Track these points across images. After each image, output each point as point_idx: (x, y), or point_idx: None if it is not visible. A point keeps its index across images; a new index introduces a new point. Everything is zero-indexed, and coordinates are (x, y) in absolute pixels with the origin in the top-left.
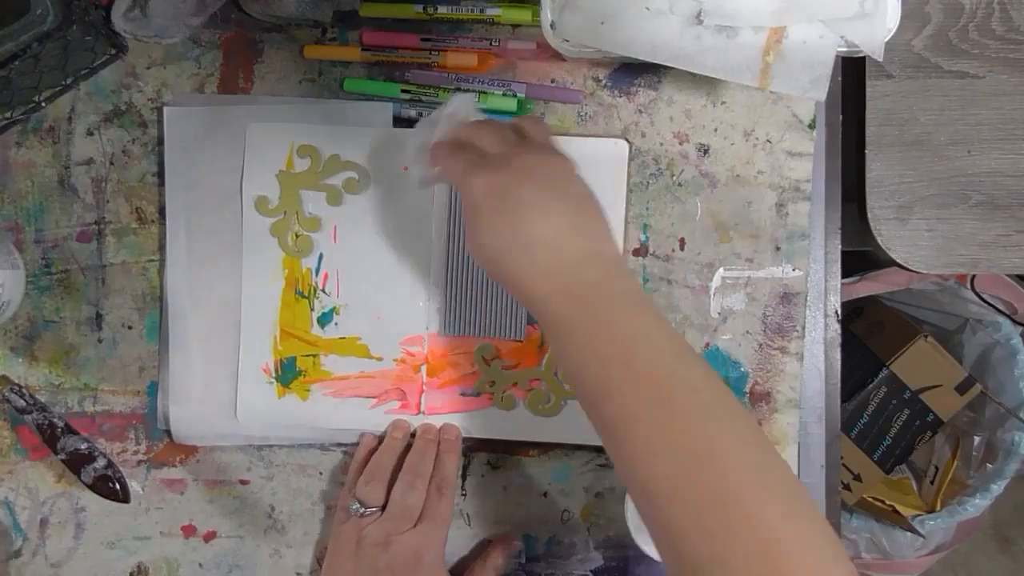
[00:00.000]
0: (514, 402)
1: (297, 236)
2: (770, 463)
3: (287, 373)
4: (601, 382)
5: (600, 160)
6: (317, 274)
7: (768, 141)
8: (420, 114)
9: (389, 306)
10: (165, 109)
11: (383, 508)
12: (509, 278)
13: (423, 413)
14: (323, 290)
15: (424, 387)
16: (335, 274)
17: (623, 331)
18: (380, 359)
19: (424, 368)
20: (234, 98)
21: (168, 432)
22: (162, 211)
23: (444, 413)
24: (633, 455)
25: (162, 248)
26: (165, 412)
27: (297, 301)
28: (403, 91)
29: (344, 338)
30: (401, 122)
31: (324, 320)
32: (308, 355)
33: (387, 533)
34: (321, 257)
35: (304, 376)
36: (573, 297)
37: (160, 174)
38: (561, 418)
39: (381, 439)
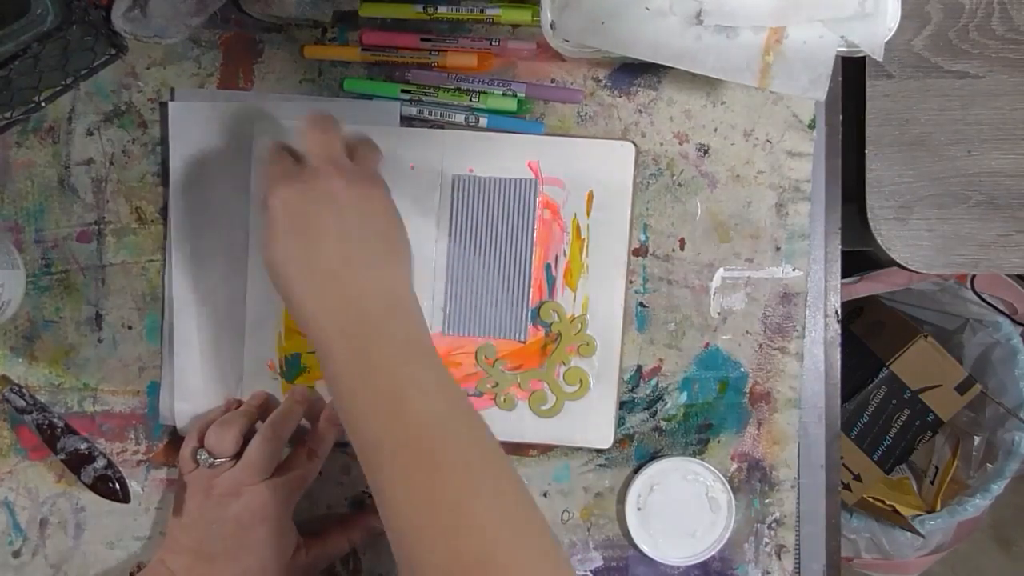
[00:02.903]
0: (515, 403)
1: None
2: (530, 525)
3: (292, 369)
4: (369, 427)
5: (606, 162)
6: None
7: (768, 141)
8: (421, 112)
9: None
10: (169, 104)
11: (235, 460)
12: (292, 302)
13: None
14: None
15: None
16: None
17: (393, 379)
18: None
19: None
20: (239, 94)
21: (171, 429)
22: (162, 211)
23: None
24: (395, 505)
25: (162, 248)
26: (169, 407)
27: None
28: (403, 91)
29: None
30: (407, 121)
31: None
32: (313, 352)
33: (239, 482)
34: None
35: (309, 373)
36: (347, 335)
37: (160, 173)
38: (562, 420)
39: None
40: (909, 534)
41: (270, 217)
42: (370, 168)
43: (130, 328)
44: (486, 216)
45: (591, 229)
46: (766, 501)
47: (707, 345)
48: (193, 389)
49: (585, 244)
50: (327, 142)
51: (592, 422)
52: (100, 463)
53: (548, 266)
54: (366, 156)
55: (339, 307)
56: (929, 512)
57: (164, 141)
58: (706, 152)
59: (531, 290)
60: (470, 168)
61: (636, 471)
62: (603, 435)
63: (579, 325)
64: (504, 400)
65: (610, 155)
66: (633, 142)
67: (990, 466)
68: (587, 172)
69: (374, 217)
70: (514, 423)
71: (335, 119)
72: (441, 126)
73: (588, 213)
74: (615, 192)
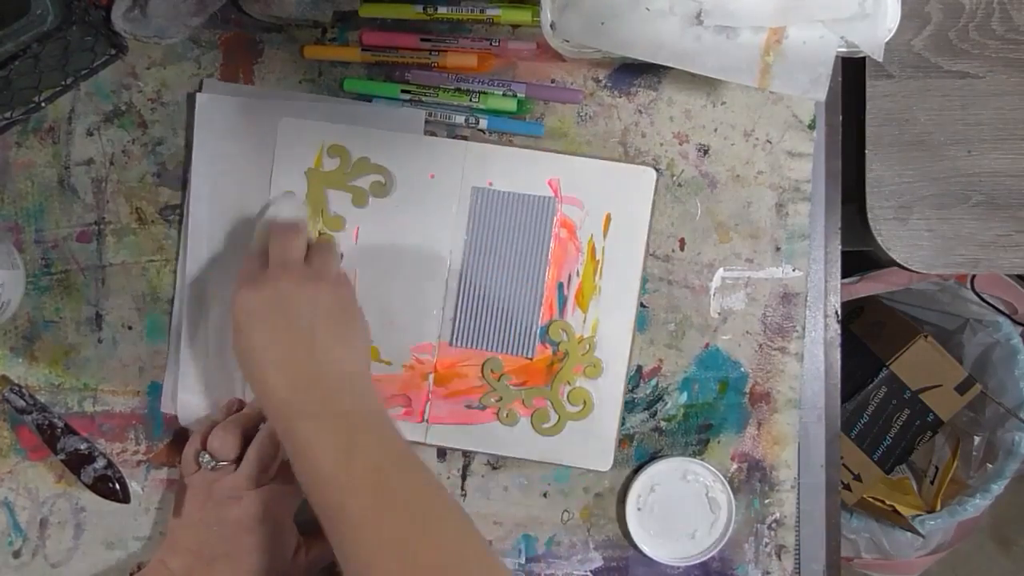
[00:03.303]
0: (517, 419)
1: (320, 234)
2: (470, 557)
3: None
4: (327, 489)
5: (626, 186)
6: None
7: (768, 141)
8: (430, 115)
9: (403, 312)
10: (197, 96)
11: (236, 463)
12: (256, 390)
13: (427, 422)
14: None
15: (430, 396)
16: (353, 275)
17: (346, 446)
18: (389, 363)
19: (432, 377)
20: (267, 92)
21: (171, 429)
22: (163, 211)
23: (448, 424)
24: (353, 555)
25: (161, 248)
26: (172, 398)
27: None
28: (403, 91)
29: None
30: (430, 125)
31: None
32: None
33: (240, 486)
34: (341, 257)
35: None
36: (304, 413)
37: (159, 173)
38: (563, 439)
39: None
40: (909, 534)
41: (232, 316)
42: (324, 269)
43: (130, 328)
44: (502, 230)
45: (606, 252)
46: (766, 501)
47: (707, 345)
48: (197, 381)
49: (599, 266)
50: (285, 249)
51: (593, 444)
52: (100, 463)
53: (561, 285)
54: (321, 258)
55: (293, 388)
56: (929, 512)
57: (189, 128)
58: (706, 152)
59: (542, 308)
60: (490, 181)
61: (636, 471)
62: (603, 457)
63: (587, 346)
64: (507, 415)
65: (631, 179)
66: (655, 167)
67: (990, 466)
68: (607, 194)
69: (323, 309)
70: (515, 438)
71: (301, 226)
72: (465, 137)
73: (605, 235)
74: (633, 217)
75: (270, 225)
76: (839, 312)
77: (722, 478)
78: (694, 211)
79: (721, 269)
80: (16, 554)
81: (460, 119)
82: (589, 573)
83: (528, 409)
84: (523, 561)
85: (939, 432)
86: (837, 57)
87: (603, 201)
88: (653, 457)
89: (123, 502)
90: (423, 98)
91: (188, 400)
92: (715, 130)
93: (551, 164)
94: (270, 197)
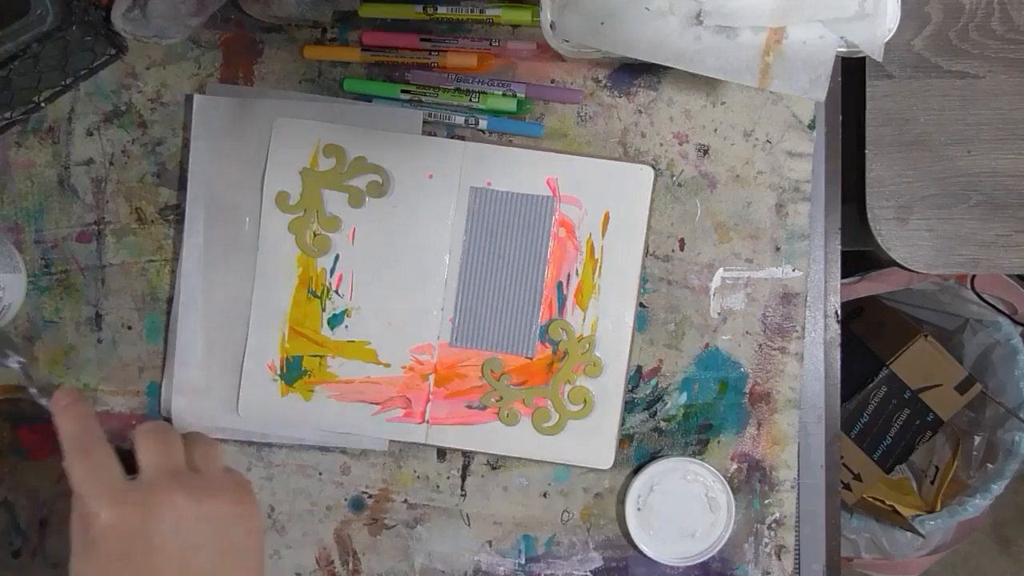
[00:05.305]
0: (518, 418)
1: (315, 235)
2: None
3: (292, 372)
4: None
5: (624, 184)
6: (332, 275)
7: (768, 141)
8: (430, 115)
9: (402, 313)
10: (195, 97)
11: None
12: None
13: (427, 422)
14: (336, 291)
15: (430, 396)
16: (350, 276)
17: None
18: (388, 365)
19: (432, 377)
20: (263, 91)
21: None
22: (162, 211)
23: (448, 424)
24: None
25: (160, 248)
26: (168, 400)
27: (309, 300)
28: (403, 91)
29: (353, 341)
30: (430, 125)
31: (334, 322)
32: (315, 355)
33: None
34: (337, 258)
35: (309, 376)
36: None
37: (159, 173)
38: (563, 438)
39: None
40: (909, 534)
41: (87, 537)
42: (216, 473)
43: (130, 328)
44: (501, 230)
45: (605, 250)
46: (766, 502)
47: (707, 345)
48: (192, 384)
49: (598, 265)
50: (165, 451)
51: (593, 442)
52: None
53: (560, 284)
54: (207, 458)
55: None
56: (929, 512)
57: (188, 129)
58: (706, 152)
59: (541, 307)
60: (488, 181)
61: (636, 471)
62: (604, 456)
63: (587, 345)
64: (507, 415)
65: (629, 177)
66: (652, 166)
67: (990, 466)
68: (605, 192)
69: (218, 537)
70: (516, 438)
71: (171, 427)
72: (462, 137)
73: (603, 234)
74: (631, 215)
75: (140, 427)
76: (839, 312)
77: (722, 478)
78: (694, 211)
79: (721, 269)
80: (16, 554)
81: (460, 119)
82: (589, 573)
83: (529, 408)
84: (523, 561)
85: (939, 432)
86: (837, 57)
87: (601, 200)
88: (653, 457)
89: None
90: (423, 98)
91: (182, 403)
92: (715, 130)
93: (549, 163)
94: (262, 196)
